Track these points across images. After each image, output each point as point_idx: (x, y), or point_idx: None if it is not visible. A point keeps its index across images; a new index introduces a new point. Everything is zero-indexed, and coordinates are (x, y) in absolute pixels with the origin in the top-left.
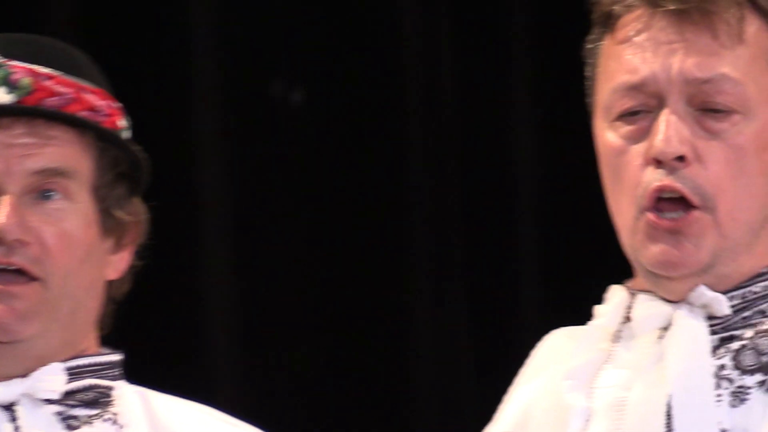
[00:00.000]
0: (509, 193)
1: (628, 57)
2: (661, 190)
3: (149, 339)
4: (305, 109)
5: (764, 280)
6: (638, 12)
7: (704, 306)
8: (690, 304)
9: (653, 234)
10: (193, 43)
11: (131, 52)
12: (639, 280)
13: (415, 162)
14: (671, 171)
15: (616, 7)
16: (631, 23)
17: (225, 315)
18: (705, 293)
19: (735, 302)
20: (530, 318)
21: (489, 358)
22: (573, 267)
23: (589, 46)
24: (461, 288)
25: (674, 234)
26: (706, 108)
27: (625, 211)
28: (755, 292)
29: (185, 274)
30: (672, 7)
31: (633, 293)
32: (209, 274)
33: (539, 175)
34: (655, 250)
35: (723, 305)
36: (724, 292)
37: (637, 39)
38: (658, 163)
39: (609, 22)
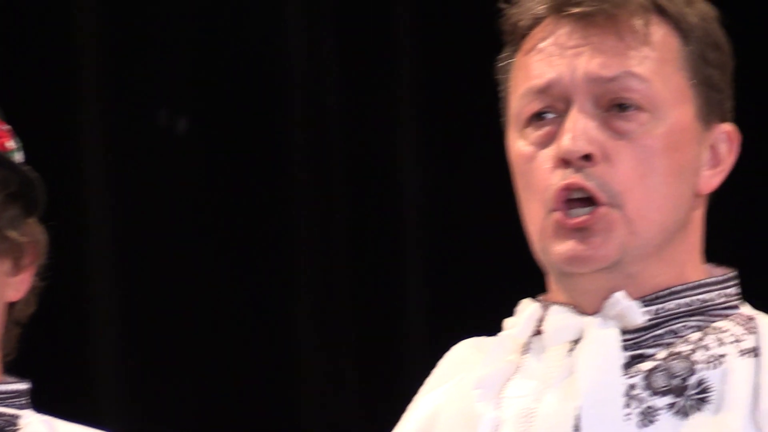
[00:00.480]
0: (396, 215)
1: (535, 64)
2: (568, 188)
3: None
4: (190, 137)
5: (678, 298)
6: (545, 22)
7: (618, 316)
8: (603, 315)
9: (561, 233)
10: (79, 71)
11: (18, 77)
12: (552, 293)
13: (300, 188)
14: (579, 170)
15: (523, 22)
16: (538, 33)
17: (110, 338)
18: (620, 301)
19: (648, 317)
20: (417, 341)
21: (376, 385)
22: (459, 290)
23: (501, 64)
24: (347, 307)
25: (581, 231)
26: (614, 105)
27: (534, 216)
28: (668, 309)
29: (70, 298)
30: (576, 11)
31: (545, 305)
32: (95, 307)
33: (425, 198)
34: (563, 247)
35: (637, 314)
36: (639, 302)
37: (543, 46)
38: (566, 162)
39: (518, 37)
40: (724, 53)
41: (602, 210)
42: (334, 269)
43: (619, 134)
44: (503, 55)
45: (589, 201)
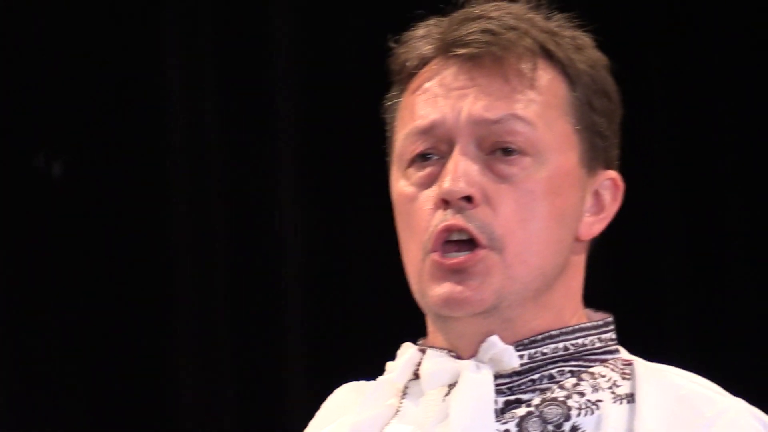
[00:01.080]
0: (275, 259)
1: (420, 104)
2: (447, 229)
3: None
4: (66, 180)
5: (554, 342)
6: (432, 63)
7: (492, 360)
8: (478, 360)
9: (438, 274)
10: None
11: None
12: (431, 337)
13: (179, 232)
14: (459, 211)
15: (411, 62)
16: (425, 74)
17: None
18: (495, 344)
19: (524, 361)
20: (297, 387)
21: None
22: (341, 333)
23: (388, 104)
24: (226, 355)
25: (459, 273)
26: (497, 149)
27: (413, 257)
28: (544, 354)
29: None
30: (463, 52)
31: (423, 349)
32: None
33: (305, 248)
34: (440, 290)
35: (513, 358)
36: (514, 346)
37: (429, 86)
38: (446, 203)
39: (405, 77)
40: (612, 101)
41: (481, 253)
42: (214, 315)
43: (501, 178)
44: (390, 94)
45: (468, 245)
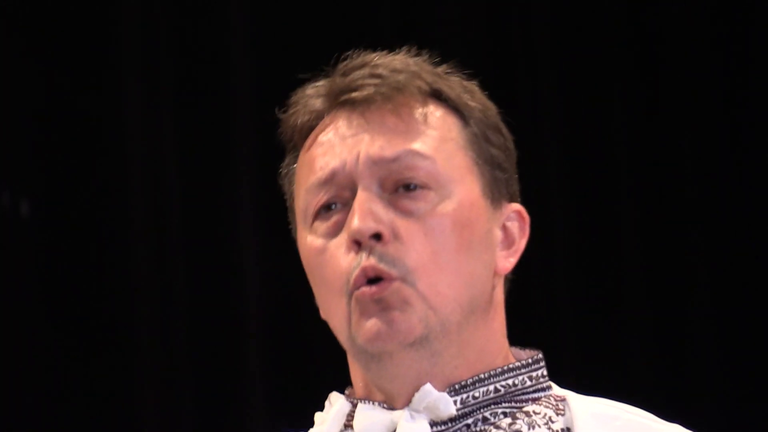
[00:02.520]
0: (235, 297)
1: (318, 157)
2: (364, 272)
3: None
4: (33, 220)
5: (485, 385)
6: (324, 118)
7: (428, 408)
8: (412, 409)
9: (364, 310)
10: None
11: None
12: (358, 387)
13: (141, 271)
14: (371, 252)
15: (302, 120)
16: (318, 129)
17: None
18: (430, 392)
19: (457, 406)
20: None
21: None
22: (294, 375)
23: (284, 171)
24: (188, 391)
25: (381, 304)
26: (399, 186)
27: (337, 305)
28: (476, 397)
29: None
30: (354, 95)
31: (353, 401)
32: None
33: (264, 281)
34: (369, 324)
35: (449, 405)
36: (448, 393)
37: (324, 138)
38: (357, 244)
39: (299, 139)
40: (507, 139)
41: (395, 284)
42: (175, 351)
43: (407, 213)
44: (285, 162)
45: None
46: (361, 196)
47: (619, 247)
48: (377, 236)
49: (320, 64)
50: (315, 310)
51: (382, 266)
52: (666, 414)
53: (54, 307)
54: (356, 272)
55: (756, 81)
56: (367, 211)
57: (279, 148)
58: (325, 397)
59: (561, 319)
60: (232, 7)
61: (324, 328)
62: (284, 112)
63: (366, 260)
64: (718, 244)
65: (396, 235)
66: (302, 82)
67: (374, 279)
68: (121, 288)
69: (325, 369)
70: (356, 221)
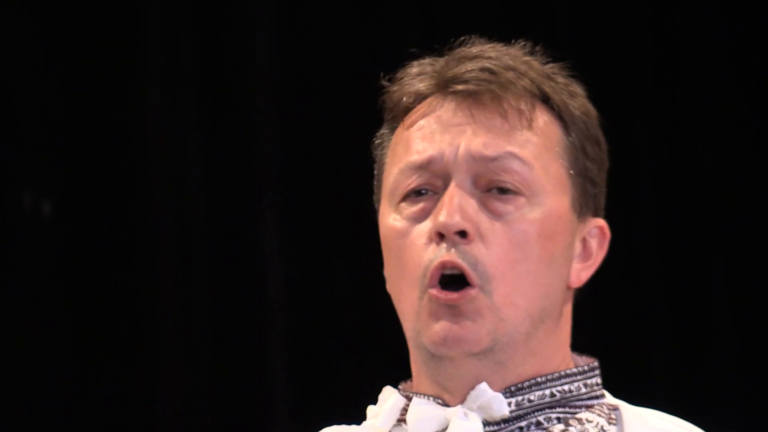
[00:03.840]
0: (258, 303)
1: (416, 139)
2: (443, 265)
3: None
4: (54, 220)
5: (541, 389)
6: (429, 99)
7: (482, 408)
8: (467, 407)
9: (435, 311)
10: None
11: None
12: (415, 382)
13: (163, 272)
14: (453, 246)
15: (406, 98)
16: (421, 109)
17: None
18: (485, 391)
19: (511, 408)
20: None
21: None
22: (324, 375)
23: (378, 141)
24: (211, 397)
25: (453, 309)
26: (493, 187)
27: (408, 294)
28: (531, 401)
29: None
30: (462, 88)
31: (408, 395)
32: None
33: (289, 293)
34: (437, 327)
35: (502, 405)
36: (503, 394)
37: (425, 122)
38: (440, 237)
39: (399, 114)
40: (602, 151)
41: (472, 292)
42: (198, 358)
43: (496, 215)
44: (381, 132)
45: (459, 282)
46: (453, 190)
47: (637, 250)
48: (462, 234)
49: (345, 68)
50: (338, 312)
51: (462, 263)
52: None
53: (75, 307)
54: (434, 264)
55: None
56: (456, 206)
57: (302, 150)
58: (349, 400)
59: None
60: (255, 12)
61: (347, 331)
62: (389, 81)
63: (446, 254)
64: (737, 244)
65: (481, 236)
66: (318, 80)
67: (451, 278)
68: (143, 288)
69: (349, 379)
70: (444, 215)
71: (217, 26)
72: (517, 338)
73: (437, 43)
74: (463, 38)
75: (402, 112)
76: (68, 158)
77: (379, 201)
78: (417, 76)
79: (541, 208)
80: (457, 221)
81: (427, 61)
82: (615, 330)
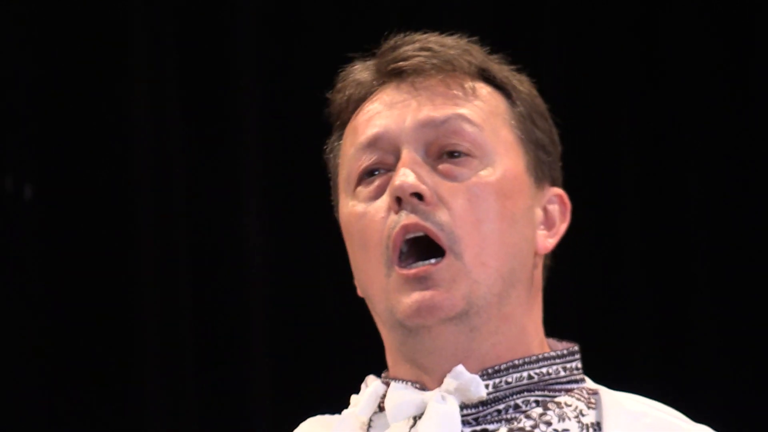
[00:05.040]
0: (240, 292)
1: (363, 123)
2: (405, 230)
3: None
4: (35, 205)
5: (519, 371)
6: (373, 93)
7: (459, 390)
8: (444, 390)
9: (405, 286)
10: None
11: None
12: (393, 369)
13: (145, 257)
14: (414, 210)
15: (350, 95)
16: (367, 103)
17: None
18: (462, 373)
19: (489, 390)
20: (262, 419)
21: None
22: (305, 366)
23: (328, 148)
24: (191, 386)
25: (424, 281)
26: (444, 152)
27: (375, 275)
28: (509, 383)
29: None
30: (403, 65)
31: (387, 382)
32: None
33: (271, 276)
34: (410, 299)
35: (480, 387)
36: (480, 376)
37: (371, 107)
38: (398, 203)
39: (346, 114)
40: (552, 129)
41: (446, 261)
42: (179, 337)
43: (451, 178)
44: (331, 139)
45: (426, 251)
46: (405, 157)
47: (621, 248)
48: (419, 196)
49: (328, 69)
50: (321, 309)
51: (429, 225)
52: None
53: (56, 291)
54: (396, 229)
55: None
56: (410, 170)
57: (285, 143)
58: (334, 393)
59: (563, 317)
60: (237, 10)
61: (330, 328)
62: (332, 91)
63: (407, 218)
64: (719, 245)
65: (440, 198)
66: (305, 72)
67: (414, 244)
68: (123, 272)
69: (333, 366)
70: (399, 179)
71: (199, 14)
72: (490, 300)
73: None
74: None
75: (349, 110)
76: (49, 142)
77: (336, 202)
78: (359, 71)
79: (496, 168)
80: (413, 182)
81: (368, 61)
82: (598, 319)
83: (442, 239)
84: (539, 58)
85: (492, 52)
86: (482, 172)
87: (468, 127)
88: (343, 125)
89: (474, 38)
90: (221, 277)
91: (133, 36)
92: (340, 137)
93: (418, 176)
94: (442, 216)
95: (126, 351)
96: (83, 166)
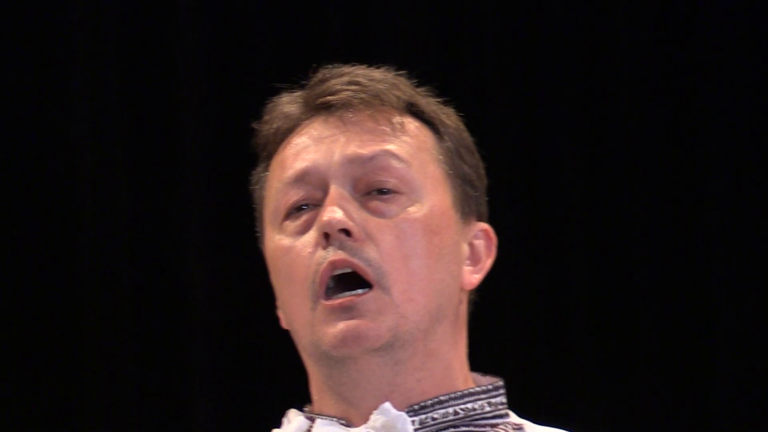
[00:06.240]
0: (182, 312)
1: (290, 156)
2: (333, 265)
3: None
4: None
5: (445, 407)
6: (300, 124)
7: (385, 427)
8: (371, 427)
9: (330, 317)
10: None
11: None
12: (318, 405)
13: (87, 267)
14: (341, 246)
15: (277, 127)
16: (294, 136)
17: None
18: (389, 410)
19: (415, 426)
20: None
21: None
22: (247, 388)
23: (254, 179)
24: (135, 406)
25: (349, 310)
26: (373, 189)
27: (300, 308)
28: (435, 419)
29: None
30: (331, 99)
31: (311, 417)
32: None
33: (212, 301)
34: (335, 329)
35: (406, 424)
36: (407, 413)
37: (299, 140)
38: (326, 239)
39: (273, 146)
40: (479, 163)
41: (372, 293)
42: (120, 339)
43: (379, 214)
44: (257, 170)
45: (354, 284)
46: (333, 193)
47: (566, 272)
48: (347, 232)
49: (272, 81)
50: (264, 326)
51: (357, 261)
52: None
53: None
54: (324, 265)
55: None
56: (338, 206)
57: (228, 158)
58: (273, 415)
59: (506, 346)
60: (181, 19)
61: (271, 348)
62: (259, 120)
63: (334, 254)
64: (661, 266)
65: (368, 234)
66: (247, 99)
67: (340, 279)
68: (66, 285)
69: (275, 386)
70: (327, 214)
71: (142, 25)
72: (416, 335)
73: (361, 52)
74: (327, 66)
75: (276, 142)
76: None
77: (262, 233)
78: (286, 104)
79: (423, 204)
80: (341, 218)
81: (296, 92)
82: (538, 354)
83: (370, 275)
84: (479, 93)
85: (420, 84)
86: (410, 209)
87: (396, 164)
88: (270, 156)
89: (402, 72)
90: (164, 293)
91: (77, 42)
92: (266, 168)
93: (346, 212)
94: (370, 252)
95: (67, 354)
96: (26, 178)
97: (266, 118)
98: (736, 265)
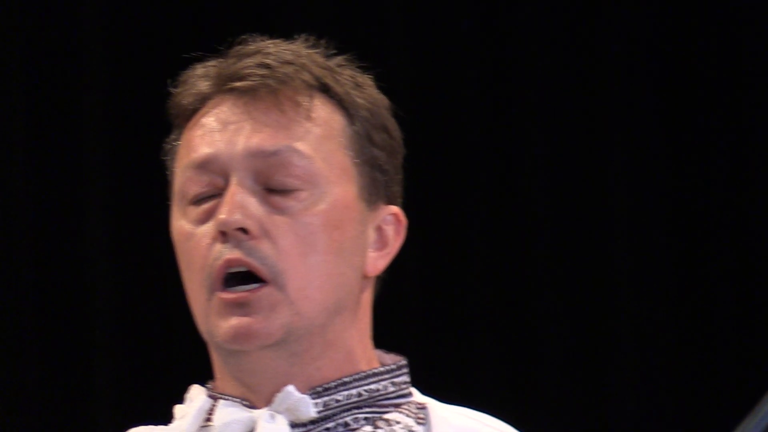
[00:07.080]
0: (84, 296)
1: (196, 139)
2: (227, 264)
3: None
4: None
5: (348, 389)
6: (211, 100)
7: (289, 410)
8: (274, 409)
9: (224, 311)
10: None
11: None
12: (220, 382)
13: None
14: (238, 245)
15: (188, 100)
16: (203, 111)
17: None
18: (292, 393)
19: (319, 408)
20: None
21: None
22: (150, 367)
23: (168, 146)
24: (36, 383)
25: (243, 306)
26: (273, 186)
27: (197, 296)
28: (338, 401)
29: None
30: (239, 85)
31: (214, 396)
32: None
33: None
34: (227, 325)
35: (309, 407)
36: (310, 395)
37: (205, 121)
38: (224, 236)
39: (184, 117)
40: (393, 138)
41: (265, 290)
42: (20, 340)
43: (279, 210)
44: (170, 137)
45: (250, 278)
46: (233, 188)
47: (467, 259)
48: (244, 230)
49: (179, 63)
50: (168, 304)
51: (251, 261)
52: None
53: None
54: (219, 263)
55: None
56: (236, 204)
57: (131, 146)
58: (177, 391)
59: (409, 323)
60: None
61: (174, 324)
62: (174, 87)
63: (230, 253)
64: (562, 255)
65: (265, 232)
66: (161, 78)
67: (236, 275)
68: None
69: (177, 364)
70: (224, 213)
71: (45, 18)
72: (312, 330)
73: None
74: (244, 36)
75: (187, 115)
76: None
77: (172, 205)
78: (199, 77)
79: (325, 200)
80: (237, 218)
81: (211, 62)
82: (441, 336)
83: (265, 273)
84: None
85: (339, 51)
86: (310, 205)
87: (297, 160)
88: (181, 125)
89: (320, 41)
90: (65, 267)
91: None
92: (178, 137)
93: (244, 209)
94: (267, 250)
95: None
96: None
97: (179, 88)
98: (637, 247)
